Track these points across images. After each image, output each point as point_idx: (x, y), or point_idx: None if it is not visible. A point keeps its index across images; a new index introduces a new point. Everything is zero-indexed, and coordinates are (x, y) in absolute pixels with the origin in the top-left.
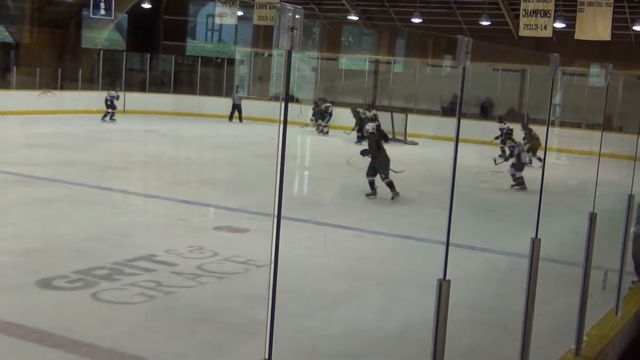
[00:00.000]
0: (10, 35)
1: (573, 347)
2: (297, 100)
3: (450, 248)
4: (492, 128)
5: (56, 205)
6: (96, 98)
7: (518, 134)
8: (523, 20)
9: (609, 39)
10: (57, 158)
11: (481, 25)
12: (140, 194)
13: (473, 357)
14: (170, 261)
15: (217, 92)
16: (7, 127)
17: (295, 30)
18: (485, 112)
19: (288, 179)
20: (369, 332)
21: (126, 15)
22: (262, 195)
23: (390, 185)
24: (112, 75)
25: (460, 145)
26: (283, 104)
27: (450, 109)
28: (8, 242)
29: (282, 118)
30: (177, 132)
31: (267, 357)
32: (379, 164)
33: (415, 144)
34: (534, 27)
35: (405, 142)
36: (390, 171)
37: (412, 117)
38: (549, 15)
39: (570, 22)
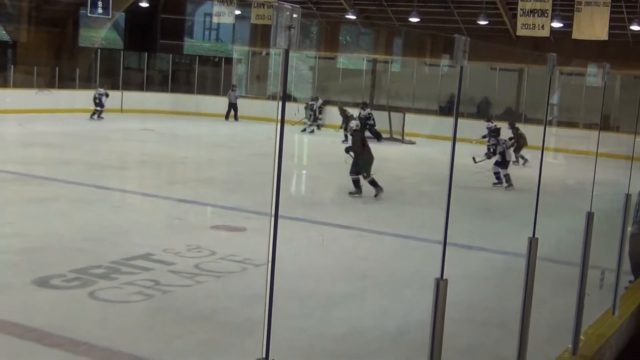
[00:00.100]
0: (7, 33)
1: (570, 346)
2: (295, 99)
3: (448, 247)
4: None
5: (53, 204)
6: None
7: (505, 132)
8: (520, 20)
9: (607, 38)
10: (55, 157)
11: (479, 24)
12: (138, 192)
13: (471, 356)
14: (167, 260)
15: (214, 91)
16: (5, 125)
17: (292, 29)
18: (483, 111)
19: (285, 178)
20: (367, 332)
21: (123, 14)
22: (260, 194)
23: (373, 183)
24: (109, 74)
25: (457, 144)
26: (280, 103)
27: (448, 108)
28: (5, 241)
29: (279, 117)
30: (175, 131)
31: (264, 356)
32: (362, 162)
33: (412, 143)
34: (531, 26)
35: (402, 141)
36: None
37: (409, 117)
38: (546, 14)
39: (568, 21)
